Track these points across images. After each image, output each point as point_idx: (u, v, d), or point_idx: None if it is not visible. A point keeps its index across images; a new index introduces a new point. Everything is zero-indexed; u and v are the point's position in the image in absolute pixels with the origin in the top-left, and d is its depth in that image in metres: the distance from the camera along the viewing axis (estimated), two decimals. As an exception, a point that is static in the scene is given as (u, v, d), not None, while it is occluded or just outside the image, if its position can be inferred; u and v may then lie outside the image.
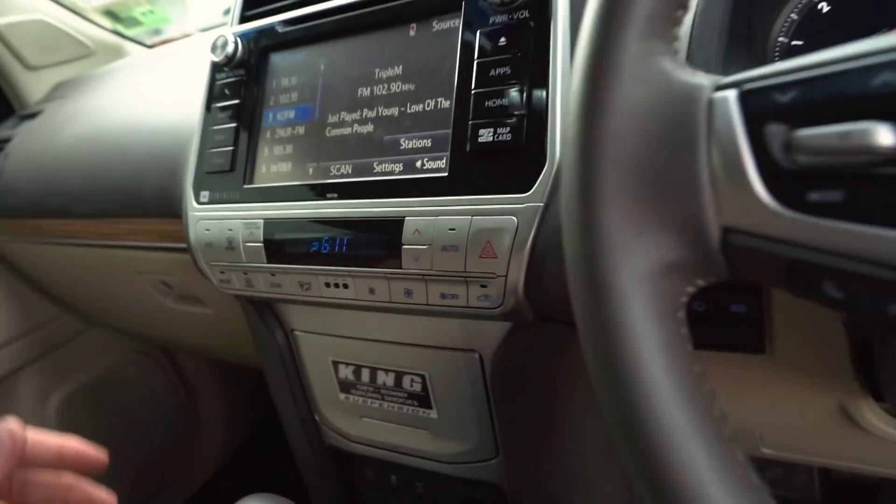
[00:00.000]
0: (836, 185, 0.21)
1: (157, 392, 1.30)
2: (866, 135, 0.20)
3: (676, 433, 0.22)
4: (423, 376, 0.56)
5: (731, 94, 0.23)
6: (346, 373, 0.61)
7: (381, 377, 0.59)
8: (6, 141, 0.98)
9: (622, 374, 0.23)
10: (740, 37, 0.45)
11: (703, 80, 0.24)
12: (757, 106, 0.22)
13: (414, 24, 0.50)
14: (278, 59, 0.58)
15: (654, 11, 0.24)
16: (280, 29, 0.57)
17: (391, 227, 0.46)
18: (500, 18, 0.45)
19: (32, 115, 1.02)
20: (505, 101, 0.43)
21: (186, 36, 1.27)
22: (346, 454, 0.67)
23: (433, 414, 0.57)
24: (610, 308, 0.24)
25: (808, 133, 0.21)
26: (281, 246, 0.53)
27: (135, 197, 0.73)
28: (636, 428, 0.23)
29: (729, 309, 0.45)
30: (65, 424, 1.16)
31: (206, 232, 0.58)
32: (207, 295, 0.79)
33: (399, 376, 0.57)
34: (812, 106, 0.21)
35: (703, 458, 0.22)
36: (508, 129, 0.43)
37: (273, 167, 0.56)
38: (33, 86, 1.12)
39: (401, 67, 0.50)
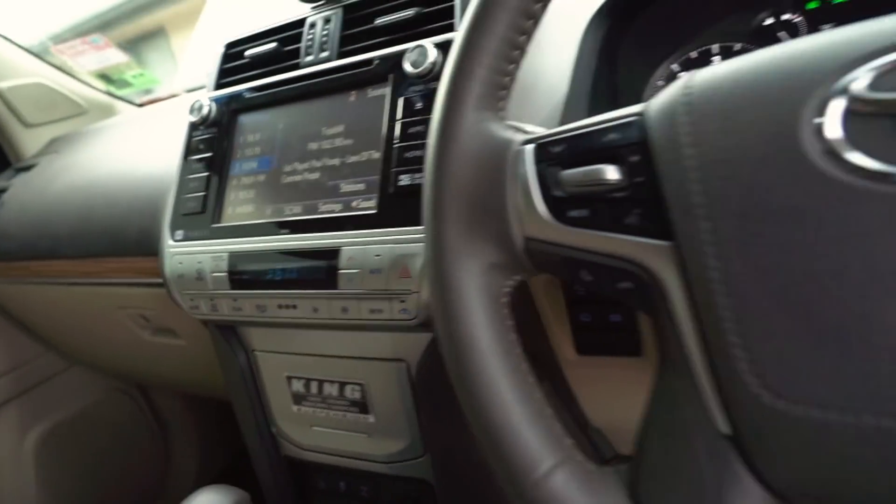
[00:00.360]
0: (585, 206, 0.31)
1: (132, 429, 1.34)
2: (600, 172, 0.31)
3: (491, 372, 0.32)
4: (361, 385, 0.65)
5: (529, 147, 0.34)
6: (298, 386, 0.69)
7: (328, 388, 0.67)
8: (2, 191, 1.05)
9: (457, 339, 0.33)
10: (606, 101, 0.57)
11: (516, 136, 0.35)
12: (541, 155, 0.33)
13: (353, 92, 0.62)
14: (245, 119, 0.69)
15: (483, 93, 0.35)
16: (247, 94, 0.69)
17: (330, 256, 0.56)
18: (417, 88, 0.56)
19: (28, 168, 1.09)
20: (420, 153, 0.54)
21: (174, 95, 1.38)
22: (300, 463, 0.75)
23: (371, 418, 0.65)
24: (450, 294, 0.33)
25: (568, 172, 0.32)
26: (242, 275, 0.62)
27: (119, 238, 0.82)
28: (462, 372, 0.32)
29: (609, 318, 0.55)
30: (42, 462, 1.19)
31: (179, 265, 0.67)
32: (180, 326, 0.87)
33: (342, 386, 0.66)
34: (571, 154, 0.32)
35: (510, 392, 0.32)
36: (422, 174, 0.53)
37: (238, 209, 0.66)
38: (30, 141, 1.19)
39: (342, 126, 0.61)
